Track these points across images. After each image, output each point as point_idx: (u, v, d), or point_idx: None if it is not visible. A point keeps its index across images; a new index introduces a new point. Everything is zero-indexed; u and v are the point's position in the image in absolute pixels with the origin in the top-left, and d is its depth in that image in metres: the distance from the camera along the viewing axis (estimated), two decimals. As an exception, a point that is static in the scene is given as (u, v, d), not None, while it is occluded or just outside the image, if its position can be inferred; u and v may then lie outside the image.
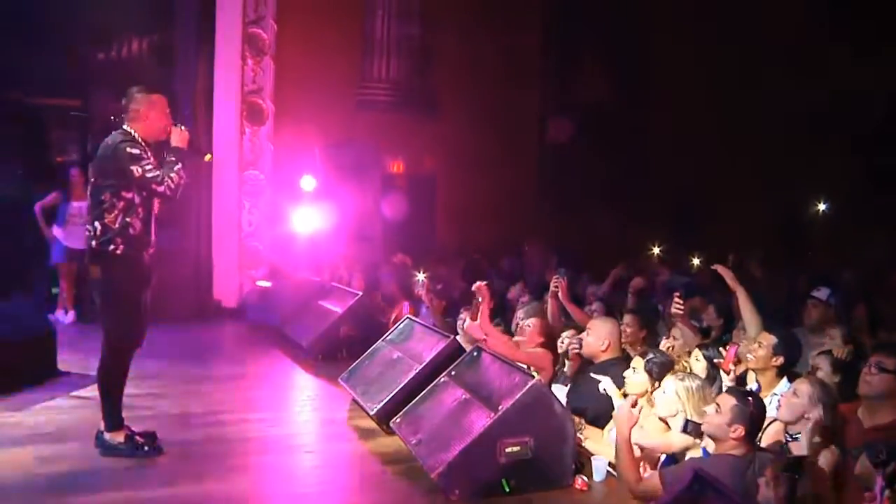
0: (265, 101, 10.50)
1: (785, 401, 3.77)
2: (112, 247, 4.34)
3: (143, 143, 4.46)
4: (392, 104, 12.31)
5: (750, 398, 3.52)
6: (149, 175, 4.32)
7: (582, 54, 13.43)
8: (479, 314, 5.64)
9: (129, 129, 4.50)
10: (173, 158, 4.47)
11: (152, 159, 4.42)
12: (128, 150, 4.33)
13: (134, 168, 4.29)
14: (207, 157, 4.68)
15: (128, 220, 4.36)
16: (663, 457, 4.11)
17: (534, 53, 13.40)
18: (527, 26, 13.18)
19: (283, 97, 10.66)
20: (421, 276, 7.48)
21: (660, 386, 4.23)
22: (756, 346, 4.40)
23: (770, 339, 4.37)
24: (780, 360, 4.32)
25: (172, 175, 4.39)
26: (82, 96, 10.31)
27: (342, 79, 11.89)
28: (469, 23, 12.45)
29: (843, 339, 5.11)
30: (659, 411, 4.09)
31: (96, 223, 4.36)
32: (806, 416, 3.60)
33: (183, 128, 4.63)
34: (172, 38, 10.42)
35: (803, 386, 3.71)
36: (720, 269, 5.09)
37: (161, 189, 4.35)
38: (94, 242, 4.38)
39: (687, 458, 3.83)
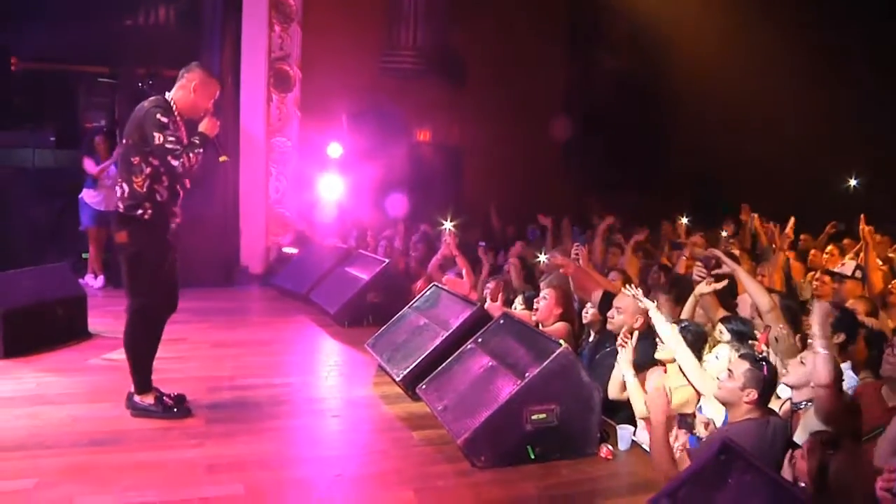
0: (292, 67, 10.47)
1: (792, 367, 3.77)
2: (140, 211, 4.37)
3: (175, 115, 4.48)
4: (419, 72, 12.25)
5: (763, 363, 3.55)
6: (168, 146, 4.32)
7: (610, 24, 13.23)
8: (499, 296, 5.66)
9: (167, 98, 4.52)
10: (197, 141, 4.48)
11: (180, 133, 4.44)
12: (157, 116, 4.34)
13: (157, 135, 4.30)
14: (223, 158, 4.70)
15: (155, 186, 4.39)
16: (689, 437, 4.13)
17: (562, 24, 13.25)
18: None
19: (310, 64, 10.62)
20: (448, 225, 7.45)
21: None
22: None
23: None
24: (842, 336, 4.23)
25: (190, 155, 4.39)
26: (110, 63, 10.35)
27: (369, 46, 11.86)
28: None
29: (866, 313, 5.00)
30: (710, 373, 4.08)
31: (124, 185, 4.39)
32: (811, 384, 3.58)
33: (217, 122, 4.66)
34: (199, 4, 10.38)
35: (811, 356, 3.70)
36: (714, 252, 4.95)
37: (175, 164, 4.34)
38: (120, 205, 4.41)
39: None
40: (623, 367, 4.38)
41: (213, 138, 4.59)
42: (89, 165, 8.78)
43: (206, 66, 4.70)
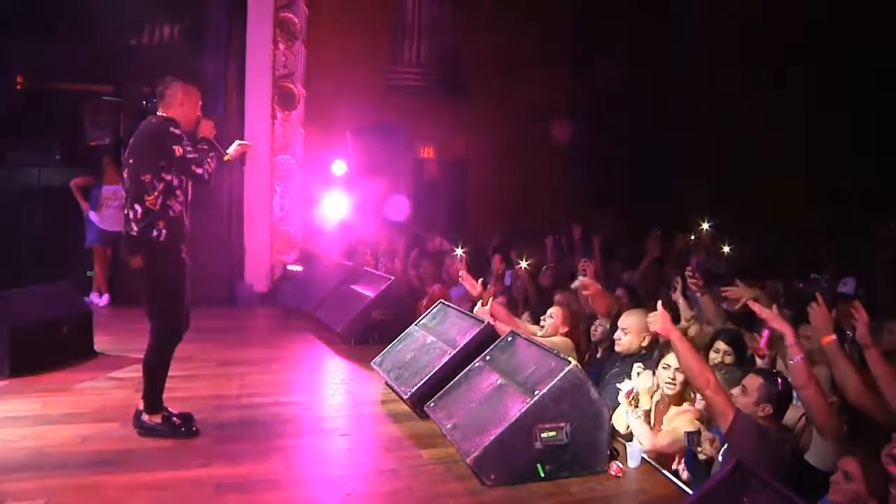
0: (296, 85, 10.53)
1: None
2: (155, 233, 4.37)
3: (181, 128, 4.51)
4: (423, 88, 12.31)
5: (777, 378, 3.55)
6: (189, 156, 4.38)
7: (611, 38, 13.27)
8: (490, 301, 5.63)
9: (164, 114, 4.54)
10: (206, 147, 4.55)
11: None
12: (171, 129, 4.39)
13: (177, 148, 4.35)
14: (227, 157, 4.74)
15: (168, 202, 4.40)
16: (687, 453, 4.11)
17: (564, 37, 13.29)
18: (557, 10, 13.07)
19: (314, 82, 10.68)
20: (459, 251, 7.45)
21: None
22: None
23: None
24: None
25: (208, 160, 4.48)
26: (114, 81, 10.39)
27: (373, 63, 11.92)
28: (499, 6, 12.38)
29: None
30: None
31: (136, 205, 4.38)
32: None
33: (211, 122, 4.72)
34: (204, 22, 10.45)
35: (821, 371, 3.75)
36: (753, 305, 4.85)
37: (200, 171, 4.41)
38: (134, 227, 4.39)
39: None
40: (629, 415, 4.37)
41: (214, 140, 4.66)
42: (92, 217, 8.84)
43: (172, 70, 4.75)
